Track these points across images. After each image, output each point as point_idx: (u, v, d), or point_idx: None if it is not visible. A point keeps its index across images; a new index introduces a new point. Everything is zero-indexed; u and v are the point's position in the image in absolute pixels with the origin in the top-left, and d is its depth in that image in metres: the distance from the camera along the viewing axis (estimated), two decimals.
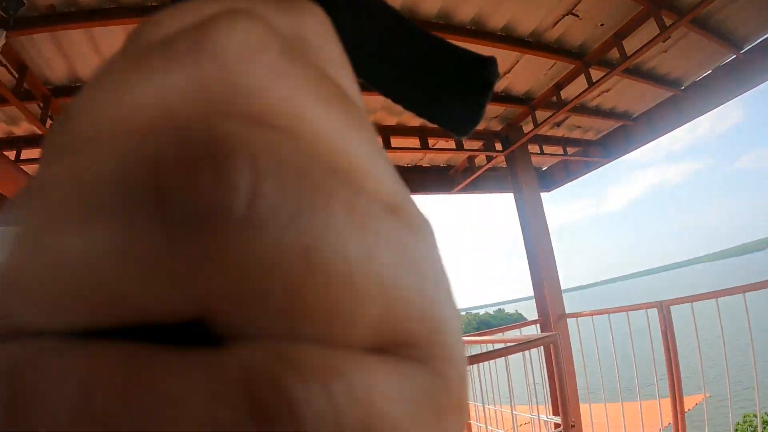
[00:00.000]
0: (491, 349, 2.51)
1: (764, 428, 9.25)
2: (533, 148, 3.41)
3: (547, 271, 3.27)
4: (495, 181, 3.78)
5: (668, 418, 2.71)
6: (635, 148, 3.44)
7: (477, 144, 3.29)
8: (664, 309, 2.49)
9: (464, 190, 3.68)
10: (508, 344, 2.21)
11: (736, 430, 10.25)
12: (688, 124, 3.06)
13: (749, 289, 2.26)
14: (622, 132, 3.45)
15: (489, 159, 3.38)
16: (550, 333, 2.20)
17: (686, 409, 5.12)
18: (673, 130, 3.17)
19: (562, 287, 3.50)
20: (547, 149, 3.50)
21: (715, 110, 2.89)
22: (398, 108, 0.18)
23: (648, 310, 2.57)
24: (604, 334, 2.89)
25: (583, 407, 3.37)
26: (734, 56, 2.55)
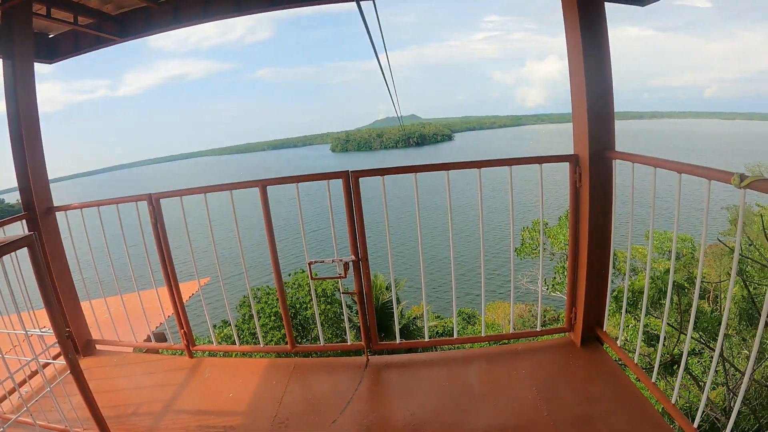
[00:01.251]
0: None
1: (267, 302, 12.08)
2: (40, 8, 2.86)
3: (34, 158, 2.84)
4: None
5: (170, 309, 2.83)
6: (153, 33, 3.28)
7: None
8: (153, 201, 2.58)
9: None
10: None
11: (240, 305, 13.02)
12: (220, 25, 3.20)
13: (236, 187, 2.51)
14: (144, 14, 3.22)
15: None
16: (25, 234, 1.91)
17: (191, 294, 5.75)
18: (196, 24, 3.14)
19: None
20: (57, 14, 2.97)
21: (247, 24, 3.15)
22: None
23: (138, 202, 2.61)
24: (97, 227, 2.80)
25: (84, 305, 3.24)
26: None
